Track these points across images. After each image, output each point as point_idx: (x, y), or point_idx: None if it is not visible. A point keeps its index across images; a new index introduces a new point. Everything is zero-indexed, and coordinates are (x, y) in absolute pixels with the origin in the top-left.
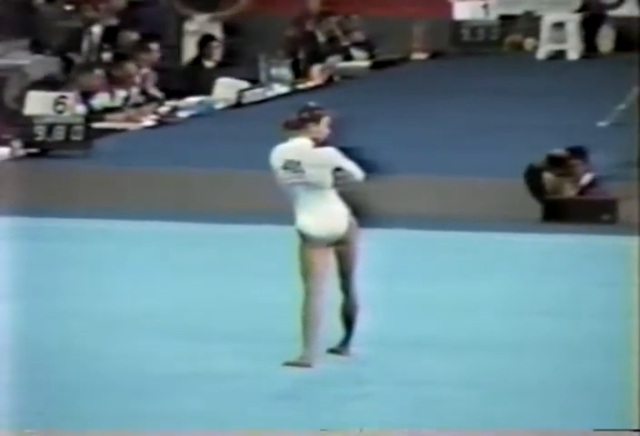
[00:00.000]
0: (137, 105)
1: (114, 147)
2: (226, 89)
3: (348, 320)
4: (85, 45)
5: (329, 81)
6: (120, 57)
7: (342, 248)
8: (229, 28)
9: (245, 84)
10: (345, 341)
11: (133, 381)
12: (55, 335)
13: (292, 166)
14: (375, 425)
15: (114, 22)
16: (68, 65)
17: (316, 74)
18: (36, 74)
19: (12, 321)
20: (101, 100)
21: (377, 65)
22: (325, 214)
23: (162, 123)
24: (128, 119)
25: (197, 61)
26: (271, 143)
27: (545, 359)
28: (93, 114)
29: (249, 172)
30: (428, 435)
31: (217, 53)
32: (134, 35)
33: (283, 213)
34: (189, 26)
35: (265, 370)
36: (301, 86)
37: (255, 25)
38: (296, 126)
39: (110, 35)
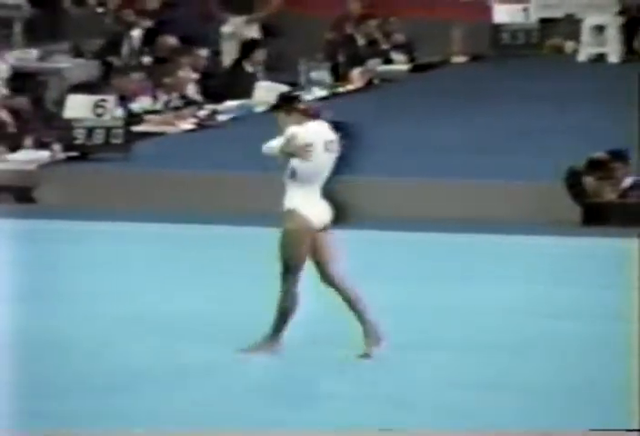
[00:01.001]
0: (177, 109)
1: (153, 150)
2: (266, 92)
3: (357, 312)
4: (124, 49)
5: (369, 84)
6: (160, 61)
7: (325, 236)
8: (268, 31)
9: (284, 88)
10: (368, 334)
11: (169, 380)
12: (103, 338)
13: (330, 147)
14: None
15: (150, 25)
16: (108, 69)
17: (356, 77)
18: (76, 78)
19: (52, 322)
20: (142, 103)
21: (417, 68)
22: (321, 200)
23: (201, 126)
24: (167, 122)
25: (238, 64)
26: None
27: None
28: (132, 118)
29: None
30: (428, 435)
31: (258, 56)
32: (172, 39)
33: None
34: (226, 29)
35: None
36: (340, 90)
37: (294, 28)
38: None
39: (150, 39)
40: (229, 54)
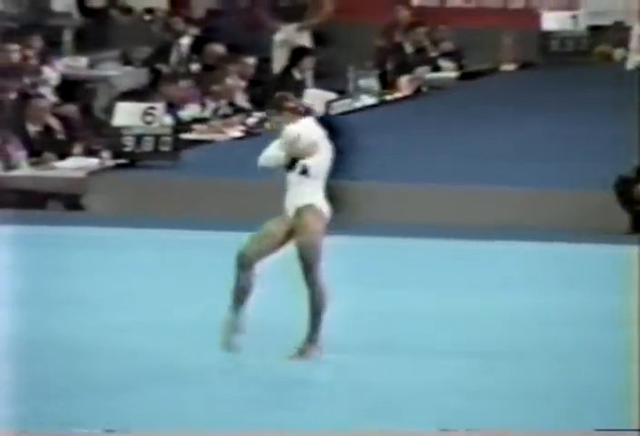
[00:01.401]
0: (225, 116)
1: (201, 158)
2: (315, 100)
3: (315, 314)
4: (173, 57)
5: (417, 92)
6: (208, 69)
7: (301, 238)
8: (319, 39)
9: (332, 95)
10: (311, 340)
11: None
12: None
13: (326, 142)
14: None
15: (198, 32)
16: (156, 76)
17: (404, 84)
18: (125, 86)
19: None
20: (190, 111)
21: (466, 76)
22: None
23: (250, 133)
24: (215, 130)
25: (287, 71)
26: (356, 154)
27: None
28: (180, 125)
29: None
30: (428, 435)
31: (307, 63)
32: (220, 47)
33: (366, 223)
34: (277, 37)
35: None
36: (388, 97)
37: (343, 36)
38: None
39: (198, 47)
40: (280, 62)
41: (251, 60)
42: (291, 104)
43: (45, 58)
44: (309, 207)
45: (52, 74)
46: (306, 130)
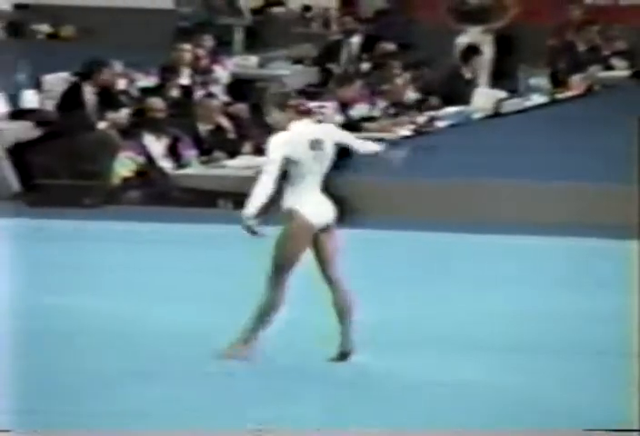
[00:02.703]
0: (395, 115)
1: (372, 157)
2: (485, 99)
3: (342, 317)
4: (343, 56)
5: (588, 90)
6: (378, 68)
7: (326, 235)
8: (499, 41)
9: (503, 94)
10: (345, 343)
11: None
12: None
13: (317, 146)
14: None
15: (369, 31)
16: (327, 76)
17: (575, 83)
18: (295, 85)
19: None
20: (360, 110)
21: (638, 75)
22: (321, 199)
23: (419, 132)
24: (384, 129)
25: (456, 70)
26: (526, 154)
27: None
28: (350, 124)
29: (503, 181)
30: (428, 435)
31: (478, 63)
32: (390, 46)
33: (535, 223)
34: (461, 39)
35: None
36: (559, 96)
37: (515, 35)
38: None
39: (368, 46)
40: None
41: (420, 59)
42: (294, 103)
43: (216, 57)
44: (289, 211)
45: (223, 73)
46: (330, 136)
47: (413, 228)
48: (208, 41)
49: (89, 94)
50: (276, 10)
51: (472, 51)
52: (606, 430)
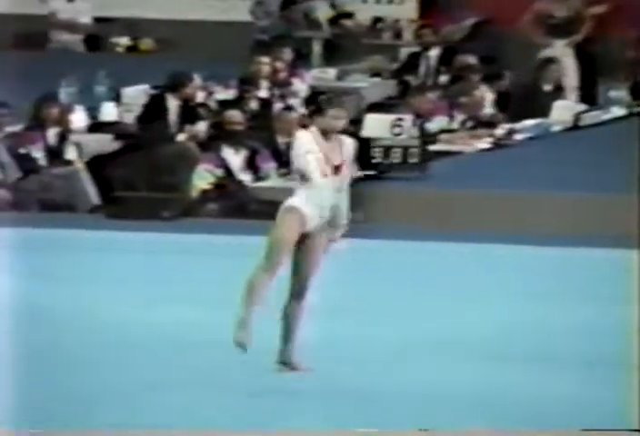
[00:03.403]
0: (473, 128)
1: (448, 170)
2: (564, 111)
3: (291, 325)
4: (421, 68)
5: None
6: (456, 80)
7: (316, 242)
8: (579, 52)
9: (582, 107)
10: (289, 351)
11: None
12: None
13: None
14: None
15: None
16: (405, 88)
17: None
18: (373, 97)
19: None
20: (439, 122)
21: None
22: (327, 204)
23: (498, 145)
24: (462, 141)
25: (534, 84)
26: (606, 169)
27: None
28: (428, 137)
29: (582, 195)
30: (428, 435)
31: (555, 76)
32: (471, 58)
33: (614, 237)
34: (544, 53)
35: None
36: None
37: (595, 48)
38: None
39: (446, 58)
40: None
41: (501, 72)
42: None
43: (294, 70)
44: (290, 207)
45: (301, 85)
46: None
47: (483, 240)
48: (287, 54)
49: (172, 106)
50: (348, 22)
51: (550, 63)
52: (606, 430)
